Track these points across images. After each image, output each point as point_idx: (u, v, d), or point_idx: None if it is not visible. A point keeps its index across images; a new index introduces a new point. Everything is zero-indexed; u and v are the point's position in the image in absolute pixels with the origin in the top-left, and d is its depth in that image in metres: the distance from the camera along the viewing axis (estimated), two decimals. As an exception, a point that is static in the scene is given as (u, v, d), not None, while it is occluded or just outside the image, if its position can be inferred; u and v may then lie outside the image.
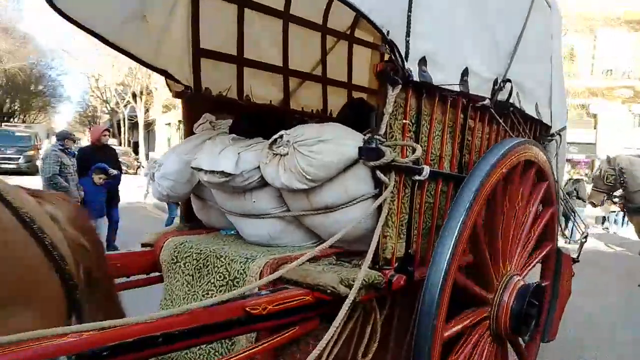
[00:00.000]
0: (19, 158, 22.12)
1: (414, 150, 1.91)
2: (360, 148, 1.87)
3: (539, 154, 2.49)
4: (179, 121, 31.91)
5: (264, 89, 2.75)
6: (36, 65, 38.35)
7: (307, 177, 1.89)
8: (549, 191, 2.65)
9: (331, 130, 2.02)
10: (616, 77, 20.40)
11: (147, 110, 36.76)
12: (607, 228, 14.18)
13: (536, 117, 2.82)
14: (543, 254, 2.72)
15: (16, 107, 38.36)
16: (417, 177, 1.96)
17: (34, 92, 41.21)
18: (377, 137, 1.84)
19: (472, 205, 1.93)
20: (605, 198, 7.02)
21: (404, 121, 1.91)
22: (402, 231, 1.98)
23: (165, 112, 34.17)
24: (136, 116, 35.87)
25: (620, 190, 6.85)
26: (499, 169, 2.09)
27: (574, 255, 3.15)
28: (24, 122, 36.55)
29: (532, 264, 2.60)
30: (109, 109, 38.17)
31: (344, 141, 1.95)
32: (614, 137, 20.43)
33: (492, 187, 2.05)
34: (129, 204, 9.79)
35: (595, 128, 21.07)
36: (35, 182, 17.93)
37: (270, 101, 2.81)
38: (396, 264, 1.97)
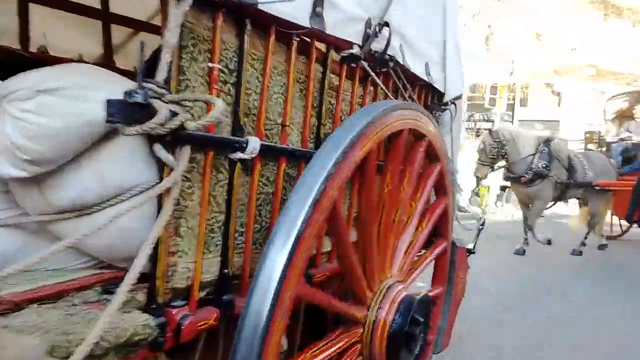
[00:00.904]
0: None
1: (226, 110, 1.23)
2: (109, 103, 1.00)
3: (429, 126, 1.80)
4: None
5: (70, 39, 1.93)
6: None
7: (24, 156, 1.10)
8: (443, 176, 1.98)
9: (71, 72, 1.20)
10: (580, 56, 20.19)
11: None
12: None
13: (427, 81, 2.15)
14: (435, 253, 2.07)
15: None
16: (238, 155, 1.27)
17: None
18: (150, 85, 1.05)
19: (320, 194, 1.24)
20: (490, 170, 7.07)
21: (212, 64, 1.19)
22: (212, 241, 1.27)
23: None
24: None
25: (504, 162, 7.04)
26: (367, 140, 1.39)
27: (471, 245, 2.60)
28: None
29: (421, 267, 1.95)
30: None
31: (88, 92, 1.13)
32: (577, 114, 20.41)
33: (356, 166, 1.35)
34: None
35: (559, 106, 20.93)
36: None
37: (81, 56, 1.98)
38: (202, 294, 1.26)
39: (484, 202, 13.37)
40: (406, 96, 1.96)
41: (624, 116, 8.78)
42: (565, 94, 20.76)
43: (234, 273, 1.33)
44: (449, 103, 2.38)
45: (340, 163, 1.28)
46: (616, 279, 6.13)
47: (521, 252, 7.19)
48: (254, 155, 1.29)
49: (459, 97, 2.45)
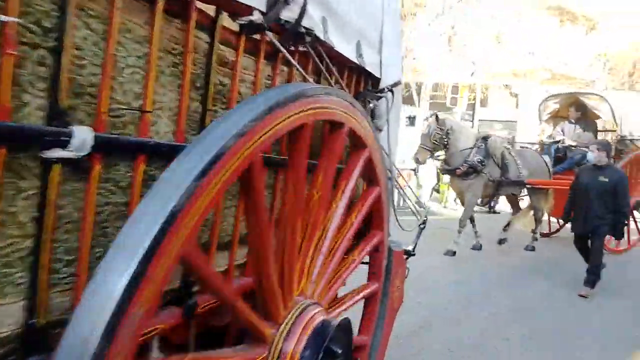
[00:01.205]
0: None
1: None
2: None
3: (353, 114, 1.51)
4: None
5: None
6: None
7: None
8: (371, 165, 1.70)
9: None
10: (537, 59, 20.60)
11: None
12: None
13: (357, 63, 1.83)
14: (362, 255, 1.77)
15: None
16: (56, 153, 0.88)
17: None
18: None
19: (183, 204, 0.85)
20: (429, 156, 6.96)
21: (5, 18, 0.78)
22: (5, 279, 0.86)
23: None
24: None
25: (443, 152, 6.93)
26: (255, 134, 1.03)
27: (411, 247, 2.34)
28: None
29: (349, 272, 1.65)
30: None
31: None
32: (533, 116, 20.78)
33: (242, 164, 1.00)
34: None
35: (517, 107, 21.27)
36: None
37: None
38: None
39: (444, 199, 13.28)
40: (332, 80, 1.65)
41: (557, 117, 8.78)
42: (522, 96, 21.14)
43: (52, 321, 0.94)
44: (386, 90, 2.07)
45: (219, 161, 0.92)
46: (563, 273, 6.20)
47: (477, 247, 7.21)
48: (83, 153, 0.91)
49: (397, 85, 2.15)
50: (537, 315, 4.57)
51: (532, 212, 7.84)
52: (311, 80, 1.62)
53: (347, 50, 1.71)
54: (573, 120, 8.13)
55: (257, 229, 1.16)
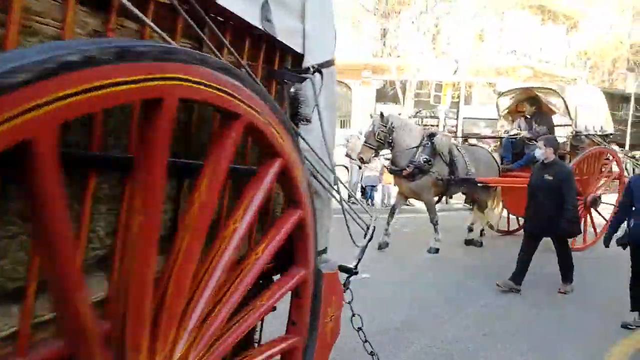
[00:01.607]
0: None
1: None
2: None
3: (255, 103, 1.12)
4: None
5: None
6: None
7: None
8: (290, 180, 1.35)
9: None
10: (519, 58, 20.56)
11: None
12: None
13: (262, 29, 1.42)
14: (272, 303, 1.37)
15: None
16: None
17: None
18: None
19: None
20: (373, 155, 6.76)
21: None
22: None
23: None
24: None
25: (389, 150, 6.71)
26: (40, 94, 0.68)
27: (354, 263, 1.90)
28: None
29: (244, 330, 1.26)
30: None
31: None
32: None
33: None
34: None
35: (501, 105, 21.22)
36: None
37: None
38: None
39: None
40: (216, 50, 1.21)
41: (515, 112, 8.45)
42: (506, 93, 21.12)
43: None
44: (311, 70, 1.64)
45: None
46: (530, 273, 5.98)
47: (384, 245, 6.73)
48: None
49: (329, 64, 1.76)
50: (514, 314, 4.57)
51: (489, 210, 7.60)
52: (189, 47, 1.20)
53: (244, 9, 1.30)
54: (529, 116, 7.83)
55: (50, 259, 0.76)
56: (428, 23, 19.61)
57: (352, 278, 1.93)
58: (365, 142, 6.58)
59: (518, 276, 5.09)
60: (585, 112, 7.42)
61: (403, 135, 6.49)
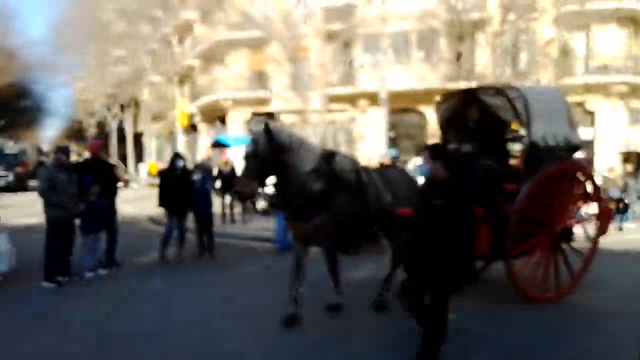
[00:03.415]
0: (8, 175, 22.17)
1: None
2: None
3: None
4: (170, 132, 31.16)
5: None
6: (22, 81, 37.19)
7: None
8: None
9: None
10: (611, 73, 19.26)
11: (135, 123, 35.60)
12: None
13: None
14: None
15: (3, 124, 36.98)
16: None
17: (21, 108, 40.05)
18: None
19: None
20: (258, 188, 4.74)
21: None
22: None
23: (155, 123, 33.04)
24: (124, 128, 34.78)
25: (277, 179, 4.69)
26: None
27: None
28: (11, 138, 35.20)
29: None
30: (96, 121, 36.83)
31: None
32: (612, 134, 19.40)
33: None
34: (123, 218, 8.79)
35: (593, 125, 19.81)
36: (23, 199, 17.75)
37: None
38: None
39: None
40: None
41: (459, 120, 6.30)
42: (599, 112, 19.79)
43: None
44: None
45: None
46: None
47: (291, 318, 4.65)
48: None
49: None
50: None
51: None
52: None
53: None
54: (472, 124, 5.95)
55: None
56: (505, 43, 18.96)
57: None
58: (245, 169, 4.53)
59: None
60: (543, 119, 5.39)
61: (294, 157, 4.53)
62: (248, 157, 4.47)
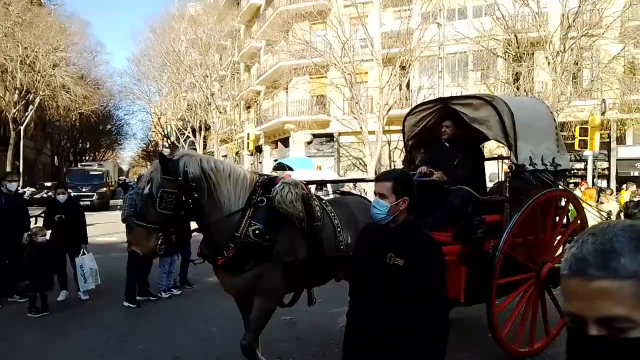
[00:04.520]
0: (93, 195, 23.21)
1: None
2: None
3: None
4: (236, 153, 32.99)
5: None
6: (106, 107, 40.84)
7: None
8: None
9: None
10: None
11: (205, 144, 37.95)
12: None
13: None
14: None
15: (87, 146, 40.77)
16: None
17: (103, 131, 43.98)
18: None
19: None
20: (158, 240, 3.28)
21: None
22: None
23: (222, 145, 35.09)
24: (195, 150, 37.14)
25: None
26: None
27: None
28: (94, 159, 38.75)
29: None
30: (170, 143, 39.63)
31: None
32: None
33: None
34: (194, 236, 9.41)
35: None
36: (104, 217, 18.57)
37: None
38: None
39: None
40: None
41: (430, 137, 5.17)
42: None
43: None
44: None
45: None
46: None
47: None
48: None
49: None
50: None
51: None
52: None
53: None
54: (447, 143, 4.79)
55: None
56: (566, 62, 18.65)
57: None
58: (139, 214, 3.57)
59: None
60: (529, 137, 4.42)
61: (215, 193, 3.36)
62: (144, 202, 3.30)
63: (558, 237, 4.89)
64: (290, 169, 16.86)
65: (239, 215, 3.43)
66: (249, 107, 33.44)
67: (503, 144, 4.50)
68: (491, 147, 12.57)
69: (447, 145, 4.80)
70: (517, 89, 19.30)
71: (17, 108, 27.21)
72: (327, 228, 3.83)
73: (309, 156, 24.32)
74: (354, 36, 22.17)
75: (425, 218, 4.00)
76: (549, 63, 18.56)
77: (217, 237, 3.47)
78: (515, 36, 18.84)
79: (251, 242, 3.38)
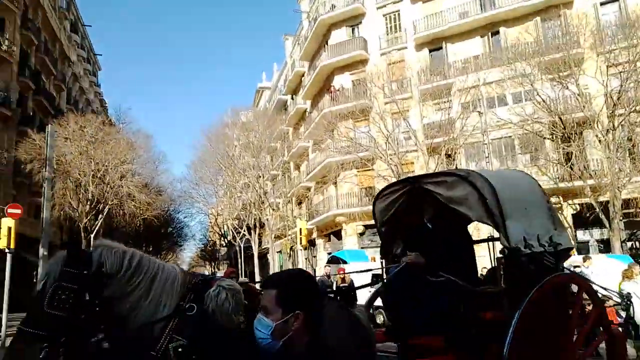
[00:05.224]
0: None
1: None
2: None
3: None
4: (290, 248, 33.42)
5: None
6: (167, 211, 43.15)
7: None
8: None
9: None
10: None
11: (260, 241, 38.75)
12: None
13: None
14: None
15: (150, 249, 42.64)
16: None
17: (165, 234, 46.12)
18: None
19: None
20: None
21: None
22: None
23: (277, 241, 35.71)
24: (251, 247, 37.92)
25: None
26: None
27: None
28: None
29: None
30: (226, 242, 40.76)
31: None
32: None
33: None
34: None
35: None
36: None
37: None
38: None
39: None
40: None
41: (398, 223, 4.50)
42: None
43: None
44: None
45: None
46: None
47: None
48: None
49: None
50: None
51: None
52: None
53: None
54: (429, 224, 4.18)
55: None
56: (619, 138, 18.21)
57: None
58: (22, 323, 2.35)
59: None
60: (519, 214, 3.71)
61: (136, 294, 2.48)
62: (32, 303, 2.44)
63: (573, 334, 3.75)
64: (345, 261, 16.75)
65: (160, 327, 2.49)
66: (300, 203, 34.32)
67: (489, 224, 3.65)
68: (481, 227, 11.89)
69: (430, 226, 4.11)
70: (571, 168, 18.85)
71: (87, 218, 29.28)
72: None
73: (362, 247, 24.17)
74: (396, 129, 22.90)
75: (407, 317, 3.60)
76: (600, 141, 18.18)
77: (129, 356, 2.53)
78: (560, 118, 18.77)
79: None
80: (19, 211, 13.96)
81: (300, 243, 25.47)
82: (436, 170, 21.82)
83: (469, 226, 4.51)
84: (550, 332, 3.49)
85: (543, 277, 3.46)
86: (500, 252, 3.58)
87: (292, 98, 37.74)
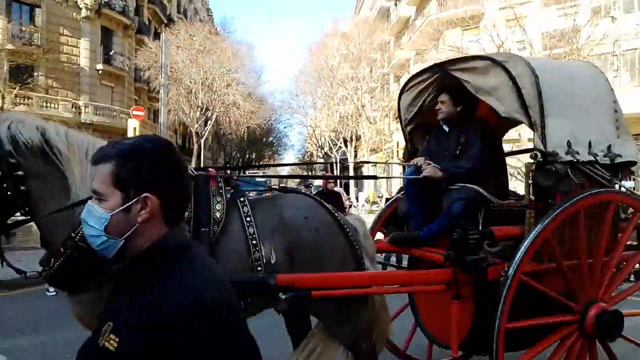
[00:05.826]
0: None
1: None
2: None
3: None
4: (386, 161, 33.50)
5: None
6: (269, 121, 44.85)
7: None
8: None
9: None
10: None
11: (355, 154, 39.21)
12: None
13: None
14: None
15: (253, 156, 45.18)
16: None
17: (266, 143, 48.39)
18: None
19: None
20: None
21: None
22: None
23: (372, 154, 35.87)
24: (346, 159, 38.61)
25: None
26: None
27: None
28: (258, 168, 42.83)
29: None
30: (323, 153, 41.82)
31: None
32: None
33: None
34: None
35: None
36: None
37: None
38: None
39: None
40: None
41: (426, 123, 3.80)
42: None
43: None
44: None
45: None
46: None
47: None
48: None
49: None
50: None
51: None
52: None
53: None
54: (446, 126, 3.48)
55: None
56: None
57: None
58: None
59: None
60: (567, 112, 2.95)
61: (61, 172, 2.22)
62: None
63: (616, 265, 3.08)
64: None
65: (75, 212, 2.16)
66: (397, 117, 33.63)
67: (522, 121, 2.96)
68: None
69: (446, 129, 3.47)
70: None
71: (198, 123, 31.41)
72: (233, 238, 2.52)
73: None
74: (510, 38, 20.90)
75: (425, 224, 3.20)
76: None
77: (51, 238, 2.27)
78: None
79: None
80: (142, 113, 15.34)
81: (397, 157, 25.32)
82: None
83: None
84: (583, 256, 2.81)
85: (586, 191, 2.87)
86: (531, 156, 2.90)
87: (396, 5, 35.58)
